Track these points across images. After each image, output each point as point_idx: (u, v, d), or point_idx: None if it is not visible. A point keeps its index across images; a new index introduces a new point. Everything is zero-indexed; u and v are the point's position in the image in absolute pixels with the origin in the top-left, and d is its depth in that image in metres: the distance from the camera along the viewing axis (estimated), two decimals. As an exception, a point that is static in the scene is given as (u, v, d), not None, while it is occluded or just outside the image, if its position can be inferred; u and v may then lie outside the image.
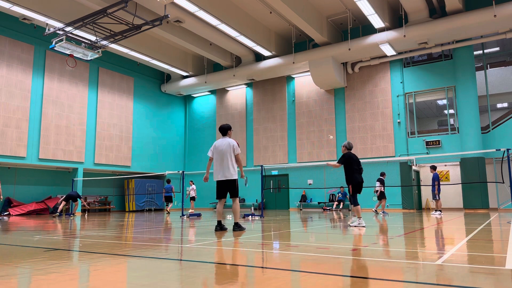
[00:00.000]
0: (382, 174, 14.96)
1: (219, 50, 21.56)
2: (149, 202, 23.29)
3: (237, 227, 7.16)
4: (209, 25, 17.86)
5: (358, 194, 8.24)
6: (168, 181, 17.75)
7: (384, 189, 14.57)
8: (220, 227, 7.15)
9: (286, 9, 15.86)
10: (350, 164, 8.24)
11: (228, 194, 7.27)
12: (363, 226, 7.81)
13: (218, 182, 7.27)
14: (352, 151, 8.83)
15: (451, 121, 19.38)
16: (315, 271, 3.23)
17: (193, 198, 18.12)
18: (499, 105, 23.40)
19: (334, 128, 20.96)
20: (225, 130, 7.44)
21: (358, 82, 20.76)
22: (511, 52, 21.37)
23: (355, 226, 7.87)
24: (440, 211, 13.69)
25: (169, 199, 17.40)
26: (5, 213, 17.06)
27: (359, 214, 8.03)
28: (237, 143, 7.38)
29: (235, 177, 7.21)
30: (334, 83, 20.46)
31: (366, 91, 20.48)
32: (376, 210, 14.49)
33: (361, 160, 8.64)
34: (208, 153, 7.45)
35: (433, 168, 13.85)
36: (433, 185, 13.48)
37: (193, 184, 18.72)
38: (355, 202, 8.12)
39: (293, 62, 20.09)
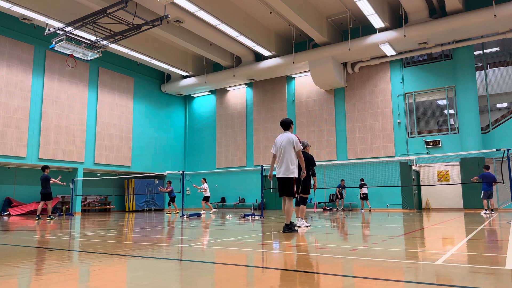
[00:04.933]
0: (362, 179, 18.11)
1: (219, 50, 21.55)
2: (149, 202, 23.30)
3: (287, 229, 6.72)
4: (209, 25, 17.86)
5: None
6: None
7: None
8: (288, 228, 6.71)
9: (286, 9, 15.85)
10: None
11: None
12: (307, 226, 7.84)
13: (278, 179, 6.95)
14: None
15: (451, 121, 19.37)
16: (315, 271, 3.23)
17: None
18: (499, 105, 23.39)
19: (334, 128, 20.94)
20: (286, 125, 7.09)
21: (358, 82, 20.75)
22: (511, 52, 21.37)
23: (304, 227, 7.85)
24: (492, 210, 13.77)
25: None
26: (5, 213, 17.07)
27: (303, 214, 8.17)
28: (299, 138, 7.02)
29: (293, 175, 6.78)
30: (334, 83, 20.45)
31: (366, 91, 20.48)
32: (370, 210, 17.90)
33: (361, 160, 8.64)
34: (271, 150, 7.20)
35: (488, 167, 13.98)
36: (491, 184, 13.46)
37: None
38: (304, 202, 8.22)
39: (293, 62, 20.09)
